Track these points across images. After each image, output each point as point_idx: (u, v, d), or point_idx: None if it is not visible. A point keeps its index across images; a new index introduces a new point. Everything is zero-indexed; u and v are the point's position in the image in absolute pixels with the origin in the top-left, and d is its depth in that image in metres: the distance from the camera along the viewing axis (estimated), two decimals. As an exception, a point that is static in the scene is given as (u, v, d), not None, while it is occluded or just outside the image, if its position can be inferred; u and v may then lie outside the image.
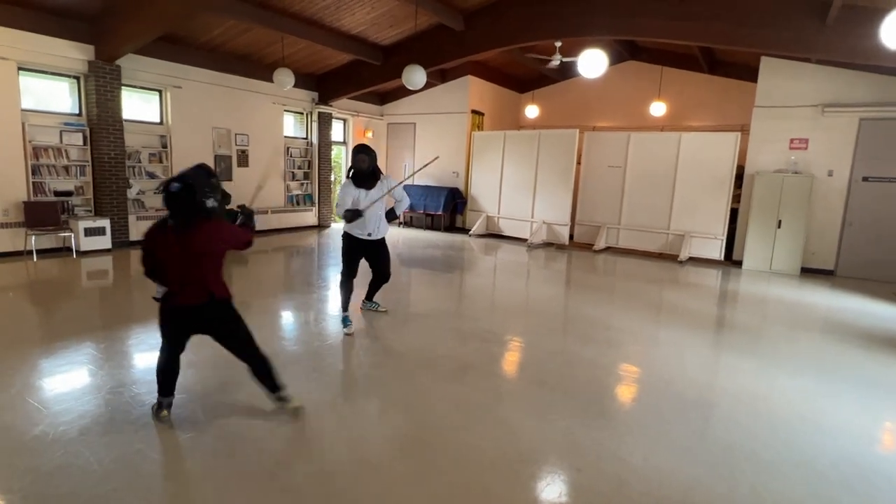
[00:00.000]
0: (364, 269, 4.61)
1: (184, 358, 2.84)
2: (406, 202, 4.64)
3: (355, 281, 4.53)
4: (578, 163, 10.10)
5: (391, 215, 4.62)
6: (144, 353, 3.77)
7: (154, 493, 2.20)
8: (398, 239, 10.45)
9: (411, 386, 3.41)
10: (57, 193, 7.33)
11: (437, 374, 3.62)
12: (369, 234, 4.43)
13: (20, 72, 6.84)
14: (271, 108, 10.20)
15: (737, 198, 8.85)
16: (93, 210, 7.68)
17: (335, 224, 12.16)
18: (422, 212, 11.72)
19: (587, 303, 6.02)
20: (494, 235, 11.11)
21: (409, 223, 12.28)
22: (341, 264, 4.51)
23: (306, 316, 5.04)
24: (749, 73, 9.15)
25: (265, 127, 10.14)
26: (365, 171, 4.28)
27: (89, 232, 7.32)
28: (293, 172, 11.00)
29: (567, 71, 10.77)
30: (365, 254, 4.55)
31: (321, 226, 11.56)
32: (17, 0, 6.38)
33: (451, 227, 11.93)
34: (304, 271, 7.54)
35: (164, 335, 2.75)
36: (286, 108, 10.61)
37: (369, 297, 4.97)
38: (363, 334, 4.44)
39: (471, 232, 11.08)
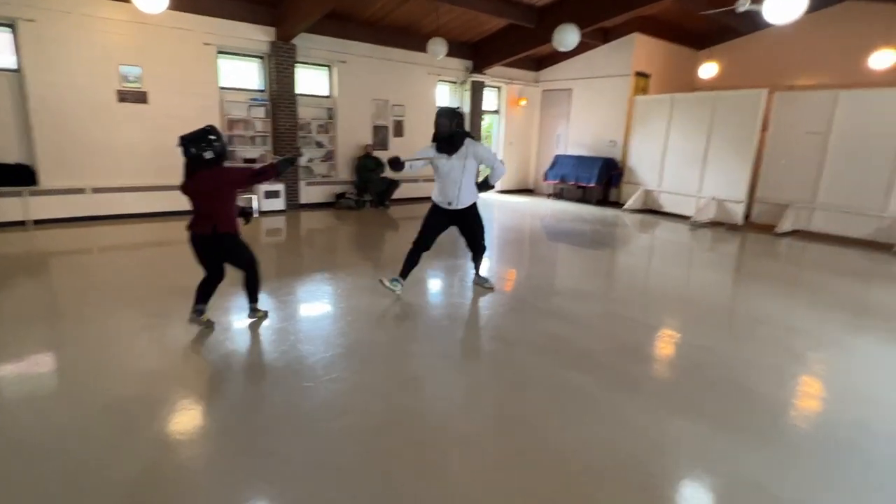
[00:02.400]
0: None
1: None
2: (500, 171, 4.25)
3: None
4: (764, 129, 8.58)
5: (484, 185, 4.31)
6: (310, 302, 4.16)
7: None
8: (547, 211, 10.09)
9: (521, 367, 3.21)
10: (245, 161, 8.45)
11: (554, 358, 3.35)
12: (449, 203, 4.20)
13: (219, 55, 7.93)
14: (426, 79, 10.43)
15: None
16: (272, 176, 8.73)
17: (483, 194, 12.17)
18: (572, 183, 11.11)
19: (760, 295, 5.11)
20: (652, 211, 10.09)
21: (559, 195, 11.76)
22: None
23: (451, 280, 5.10)
24: None
25: (419, 97, 10.42)
26: (443, 135, 4.00)
27: (268, 195, 8.36)
28: (445, 142, 11.18)
29: (757, 20, 9.08)
30: (453, 224, 4.35)
31: (469, 195, 11.65)
32: (217, -9, 7.34)
33: (605, 201, 11.13)
34: (449, 238, 7.66)
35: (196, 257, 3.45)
36: (440, 78, 10.76)
37: (477, 271, 4.77)
38: (498, 307, 4.34)
39: (625, 206, 10.21)
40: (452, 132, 4.01)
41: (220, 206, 3.27)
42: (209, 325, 3.56)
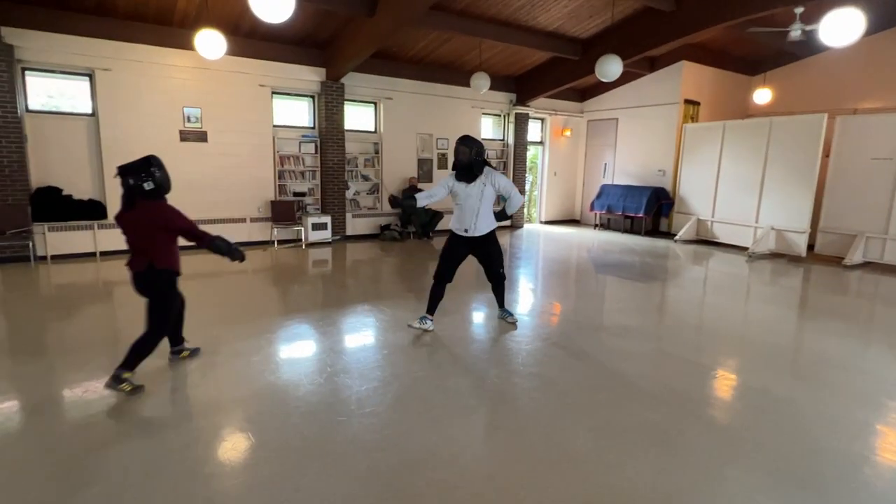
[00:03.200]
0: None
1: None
2: (517, 201, 4.26)
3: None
4: (826, 155, 8.12)
5: (501, 215, 4.35)
6: (350, 333, 4.19)
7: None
8: (593, 242, 9.86)
9: (560, 408, 3.06)
10: (295, 194, 8.79)
11: (597, 399, 3.19)
12: (466, 231, 4.23)
13: (273, 95, 8.38)
14: (470, 112, 10.59)
15: None
16: (320, 208, 9.02)
17: (528, 224, 12.09)
18: (620, 213, 10.84)
19: (829, 334, 4.73)
20: (705, 242, 9.66)
21: (605, 226, 11.50)
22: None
23: (491, 311, 5.01)
24: None
25: (464, 130, 10.54)
26: (463, 163, 4.07)
27: (315, 226, 8.62)
28: (489, 174, 11.23)
29: (813, 45, 8.73)
30: (471, 252, 4.34)
31: (514, 226, 11.60)
32: (272, 37, 7.80)
33: (654, 232, 10.78)
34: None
35: None
36: (484, 111, 10.91)
37: (500, 304, 4.65)
38: (539, 342, 4.21)
39: (677, 237, 9.83)
40: (471, 160, 4.07)
41: (153, 242, 3.08)
42: (194, 353, 3.67)
